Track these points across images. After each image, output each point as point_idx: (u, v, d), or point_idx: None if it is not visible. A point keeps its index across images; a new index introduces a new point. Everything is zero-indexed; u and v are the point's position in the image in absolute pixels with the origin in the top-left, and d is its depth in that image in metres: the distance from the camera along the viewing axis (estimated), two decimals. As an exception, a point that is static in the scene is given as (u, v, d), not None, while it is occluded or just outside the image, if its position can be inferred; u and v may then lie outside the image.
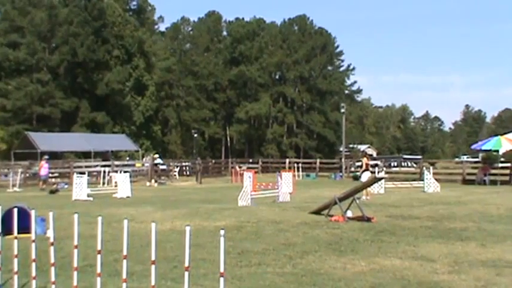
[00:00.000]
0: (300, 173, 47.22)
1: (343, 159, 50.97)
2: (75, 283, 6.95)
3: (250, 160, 62.82)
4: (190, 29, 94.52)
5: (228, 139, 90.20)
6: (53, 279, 7.04)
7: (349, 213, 16.18)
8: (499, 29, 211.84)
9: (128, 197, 26.31)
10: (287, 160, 56.05)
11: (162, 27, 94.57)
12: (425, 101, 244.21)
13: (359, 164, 55.50)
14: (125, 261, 6.56)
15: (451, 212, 18.10)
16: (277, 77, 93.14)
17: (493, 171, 38.19)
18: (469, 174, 40.39)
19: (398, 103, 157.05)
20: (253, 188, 25.67)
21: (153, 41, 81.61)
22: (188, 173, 51.79)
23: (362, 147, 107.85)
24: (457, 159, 79.39)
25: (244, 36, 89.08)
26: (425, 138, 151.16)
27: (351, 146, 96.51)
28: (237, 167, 47.29)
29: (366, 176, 23.95)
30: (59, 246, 8.94)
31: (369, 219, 15.44)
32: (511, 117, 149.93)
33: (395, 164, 61.81)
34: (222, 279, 5.95)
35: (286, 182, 25.48)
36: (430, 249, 10.96)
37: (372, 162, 55.57)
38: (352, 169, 49.70)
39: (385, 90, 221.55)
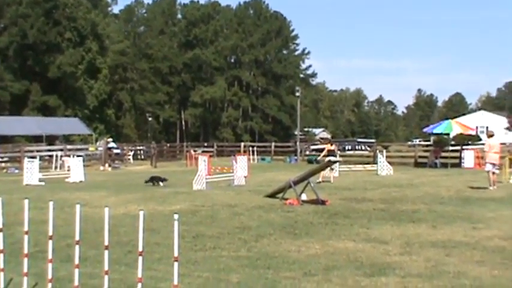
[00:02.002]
0: (255, 156, 47.29)
1: (298, 143, 51.23)
2: (25, 269, 6.84)
3: (205, 144, 62.60)
4: (144, 11, 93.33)
5: (183, 123, 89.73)
6: (1, 266, 6.91)
7: (304, 197, 16.30)
8: (450, 15, 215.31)
9: (80, 181, 25.96)
10: (242, 144, 56.03)
11: (115, 9, 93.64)
12: (379, 85, 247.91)
13: (315, 147, 56.08)
14: (77, 246, 6.48)
15: (403, 195, 18.40)
16: (232, 60, 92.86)
17: (444, 154, 38.87)
18: (420, 157, 41.10)
19: (353, 87, 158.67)
20: (208, 172, 25.63)
21: (106, 23, 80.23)
22: (143, 157, 51.37)
23: (317, 130, 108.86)
24: (409, 143, 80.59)
25: (199, 19, 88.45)
26: (378, 122, 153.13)
27: (306, 129, 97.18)
28: (192, 151, 47.07)
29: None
30: (8, 233, 8.76)
31: (323, 202, 15.58)
32: (461, 102, 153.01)
33: (350, 148, 62.55)
34: (176, 263, 5.93)
35: (241, 166, 25.49)
36: (383, 231, 11.13)
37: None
38: (307, 152, 50.05)
39: (340, 74, 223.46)
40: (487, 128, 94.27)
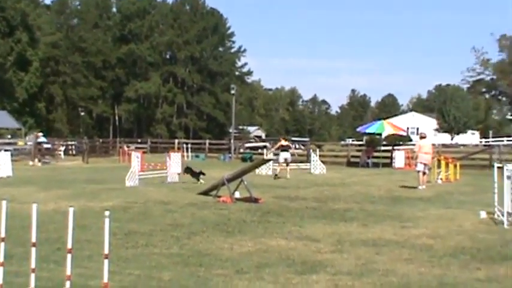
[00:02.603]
0: (189, 153, 47.03)
1: (232, 141, 51.28)
2: None
3: (139, 140, 61.94)
4: (77, 3, 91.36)
5: (117, 118, 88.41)
6: None
7: (237, 194, 16.34)
8: (384, 17, 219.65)
9: (8, 176, 25.24)
10: (176, 140, 55.65)
11: (47, 0, 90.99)
12: (313, 85, 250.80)
13: (249, 145, 56.25)
14: (2, 243, 6.30)
15: (336, 193, 18.69)
16: (167, 56, 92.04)
17: (376, 154, 39.65)
18: (353, 156, 41.79)
19: (288, 86, 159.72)
20: (141, 168, 25.35)
21: (38, 14, 78.21)
22: (74, 152, 50.40)
23: (251, 128, 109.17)
24: (342, 142, 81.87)
25: (134, 13, 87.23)
26: (313, 121, 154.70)
27: (240, 127, 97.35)
28: (125, 147, 46.46)
29: (285, 155, 26.36)
30: None
31: (256, 200, 15.66)
32: (393, 103, 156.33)
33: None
34: (106, 261, 5.84)
35: (175, 163, 25.33)
36: (315, 230, 11.26)
37: (261, 144, 56.38)
38: (241, 150, 50.15)
39: (275, 73, 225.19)
40: (417, 129, 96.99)
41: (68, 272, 6.03)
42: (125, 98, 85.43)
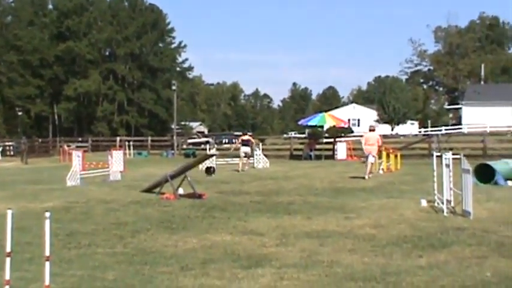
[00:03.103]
0: (132, 151, 46.58)
1: (175, 137, 51.00)
2: None
3: (80, 139, 60.97)
4: (11, 0, 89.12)
5: (56, 117, 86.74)
6: None
7: (181, 191, 16.25)
8: (323, 10, 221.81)
9: None
10: (118, 138, 54.97)
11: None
12: (255, 79, 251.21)
13: (192, 141, 56.02)
14: None
15: (279, 187, 18.79)
16: (107, 53, 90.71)
17: (318, 146, 40.02)
18: (296, 149, 42.11)
19: (229, 81, 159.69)
20: (82, 168, 24.96)
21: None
22: (12, 153, 49.29)
23: (194, 124, 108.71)
24: (285, 136, 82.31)
25: (71, 10, 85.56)
26: (255, 115, 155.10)
27: (182, 123, 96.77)
28: (65, 146, 45.65)
29: (245, 149, 27.74)
30: None
31: (200, 196, 15.61)
32: (334, 95, 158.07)
33: (227, 141, 62.96)
34: (47, 262, 5.72)
35: (117, 161, 25.03)
36: (259, 224, 11.29)
37: (204, 140, 56.22)
38: (184, 146, 49.91)
39: (217, 68, 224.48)
40: (358, 120, 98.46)
41: (7, 276, 5.86)
42: (64, 96, 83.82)
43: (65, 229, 10.87)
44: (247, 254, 8.53)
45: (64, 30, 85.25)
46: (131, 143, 49.13)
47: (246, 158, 27.78)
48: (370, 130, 23.76)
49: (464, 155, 12.55)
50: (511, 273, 7.07)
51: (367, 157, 22.09)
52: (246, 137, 28.63)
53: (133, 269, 7.78)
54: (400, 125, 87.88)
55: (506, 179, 18.53)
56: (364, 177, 21.16)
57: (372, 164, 22.02)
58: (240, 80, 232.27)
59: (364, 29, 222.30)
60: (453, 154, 12.90)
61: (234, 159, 35.24)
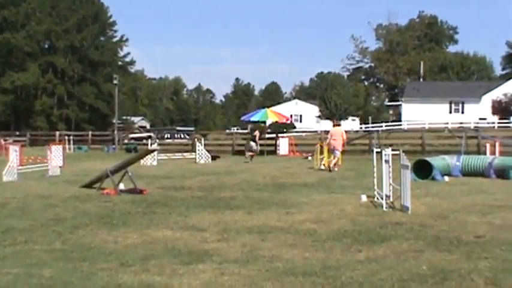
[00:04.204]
0: (71, 145, 45.77)
1: (116, 132, 50.37)
2: None
3: (17, 133, 59.52)
4: None
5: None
6: None
7: (122, 186, 16.06)
8: (267, 6, 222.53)
9: None
10: (57, 133, 53.95)
11: None
12: (197, 74, 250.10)
13: (133, 136, 55.43)
14: None
15: (221, 182, 18.79)
16: (46, 46, 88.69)
17: (261, 142, 40.14)
18: (239, 145, 42.14)
19: (172, 75, 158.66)
20: (20, 162, 24.40)
21: None
22: None
23: (136, 119, 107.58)
24: (227, 131, 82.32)
25: (8, 1, 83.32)
26: (197, 110, 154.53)
27: (124, 118, 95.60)
28: (1, 140, 44.47)
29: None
30: None
31: (141, 192, 15.46)
32: (276, 91, 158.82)
33: (169, 136, 62.60)
34: (-19, 260, 5.56)
35: (56, 156, 24.57)
36: (201, 219, 11.26)
37: (145, 135, 55.77)
38: (126, 141, 49.37)
39: (159, 62, 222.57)
40: (300, 116, 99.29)
41: None
42: (0, 89, 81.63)
43: (0, 225, 10.61)
44: (188, 250, 8.49)
45: (1, 21, 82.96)
46: (71, 137, 48.27)
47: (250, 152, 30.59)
48: (335, 125, 25.08)
49: (404, 151, 12.80)
50: (446, 266, 7.25)
51: (333, 151, 23.00)
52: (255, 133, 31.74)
53: (72, 265, 7.65)
54: (342, 121, 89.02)
55: (444, 175, 19.02)
56: (330, 170, 22.31)
57: (337, 158, 22.82)
58: (182, 74, 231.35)
59: (307, 25, 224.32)
60: (393, 150, 13.12)
61: (176, 154, 35.10)
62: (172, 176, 21.05)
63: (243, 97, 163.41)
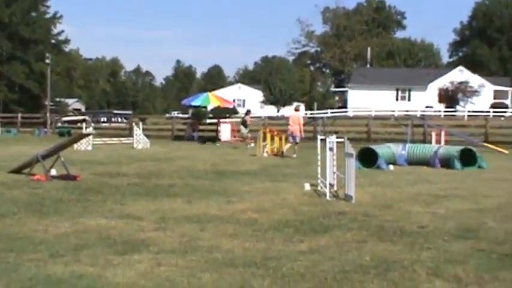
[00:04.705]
0: (-1, 128, 44.74)
1: (48, 114, 49.43)
2: None
3: None
4: None
5: None
6: None
7: (53, 172, 15.78)
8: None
9: None
10: (-16, 114, 52.62)
11: None
12: (136, 55, 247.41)
13: (67, 119, 54.50)
14: None
15: (160, 169, 18.69)
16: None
17: (202, 127, 40.12)
18: (178, 130, 42.00)
19: (109, 56, 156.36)
20: None
21: None
22: None
23: (70, 101, 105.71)
24: (167, 115, 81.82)
25: None
26: (136, 93, 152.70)
27: (57, 99, 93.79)
28: None
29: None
30: None
31: (74, 178, 15.23)
32: (219, 74, 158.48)
33: (105, 120, 61.83)
34: None
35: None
36: (138, 207, 11.17)
37: (80, 118, 54.95)
38: (59, 124, 48.52)
39: (96, 41, 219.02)
40: (244, 101, 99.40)
41: None
42: None
43: None
44: (124, 239, 8.42)
45: None
46: (-1, 119, 47.18)
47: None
48: (294, 110, 26.17)
49: (349, 139, 12.97)
50: (389, 256, 7.39)
51: (293, 137, 23.58)
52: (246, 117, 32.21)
53: (-3, 256, 7.48)
54: (286, 107, 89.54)
55: (389, 163, 19.39)
56: (292, 156, 23.46)
57: (296, 143, 23.42)
58: (120, 55, 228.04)
59: (252, 6, 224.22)
60: (337, 138, 13.28)
61: (113, 138, 34.69)
62: (108, 162, 20.81)
63: (184, 80, 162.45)
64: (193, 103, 40.59)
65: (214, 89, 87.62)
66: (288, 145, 23.37)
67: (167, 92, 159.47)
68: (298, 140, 23.70)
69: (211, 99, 39.22)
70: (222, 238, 8.58)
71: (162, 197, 12.59)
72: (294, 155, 23.84)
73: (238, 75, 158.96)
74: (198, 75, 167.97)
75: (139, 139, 29.95)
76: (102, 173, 17.18)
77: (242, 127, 32.02)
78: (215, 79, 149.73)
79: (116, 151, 26.12)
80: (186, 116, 65.78)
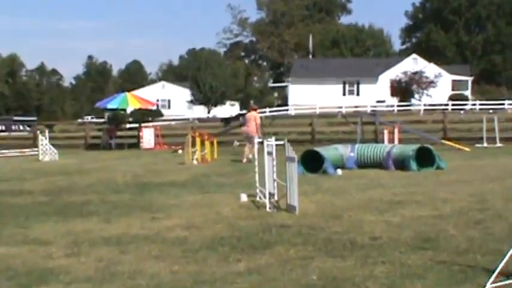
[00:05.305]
0: None
1: None
2: None
3: None
4: None
5: None
6: None
7: None
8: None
9: None
10: None
11: None
12: (39, 51, 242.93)
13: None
14: None
15: (72, 183, 18.50)
16: None
17: (120, 133, 39.80)
18: (93, 137, 41.53)
19: (6, 52, 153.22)
20: None
21: None
22: None
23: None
24: (79, 121, 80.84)
25: None
26: (41, 95, 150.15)
27: None
28: None
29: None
30: None
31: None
32: (139, 71, 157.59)
33: (4, 128, 60.72)
34: None
35: None
36: (45, 230, 11.00)
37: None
38: None
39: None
40: (169, 101, 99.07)
41: None
42: None
43: None
44: (28, 269, 8.26)
45: None
46: None
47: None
48: (251, 109, 26.66)
49: (290, 141, 13.06)
50: (339, 274, 7.47)
51: (248, 138, 23.79)
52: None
53: None
54: (218, 107, 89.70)
55: (336, 167, 19.59)
56: (242, 161, 23.95)
57: (251, 148, 23.58)
58: (20, 51, 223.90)
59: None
60: (277, 140, 13.34)
61: (14, 150, 34.08)
62: (9, 178, 20.47)
63: (98, 79, 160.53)
64: (110, 105, 40.23)
65: (133, 89, 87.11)
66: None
67: (78, 94, 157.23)
68: (255, 141, 23.78)
69: (131, 101, 38.92)
70: (146, 261, 8.53)
71: (74, 216, 12.43)
72: (244, 160, 23.95)
73: (162, 72, 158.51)
74: (115, 72, 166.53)
75: (45, 150, 29.51)
76: (2, 191, 16.89)
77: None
78: (134, 77, 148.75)
79: (17, 165, 25.68)
80: (101, 120, 65.14)
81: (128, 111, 46.31)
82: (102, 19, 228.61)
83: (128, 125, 43.20)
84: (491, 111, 40.03)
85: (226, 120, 27.71)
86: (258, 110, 27.85)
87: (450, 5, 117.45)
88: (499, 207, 11.79)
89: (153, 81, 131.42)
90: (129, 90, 54.95)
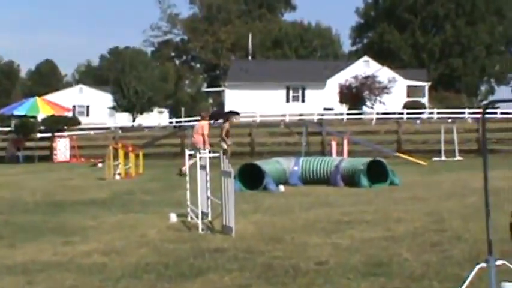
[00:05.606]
0: None
1: None
2: None
3: None
4: None
5: None
6: None
7: None
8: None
9: None
10: None
11: None
12: None
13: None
14: None
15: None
16: None
17: (29, 144, 39.27)
18: (-1, 149, 40.91)
19: None
20: None
21: None
22: None
23: None
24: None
25: None
26: None
27: None
28: None
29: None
30: None
31: None
32: (53, 72, 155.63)
33: None
34: None
35: None
36: None
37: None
38: None
39: None
40: (87, 107, 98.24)
41: None
42: None
43: None
44: None
45: None
46: None
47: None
48: (201, 119, 27.35)
49: (226, 153, 13.05)
50: (280, 304, 7.49)
51: (195, 150, 23.54)
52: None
53: None
54: (145, 114, 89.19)
55: (278, 183, 19.63)
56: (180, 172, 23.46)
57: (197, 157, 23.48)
58: None
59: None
60: (211, 152, 13.32)
61: None
62: None
63: (3, 81, 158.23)
64: (17, 112, 39.71)
65: (46, 93, 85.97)
66: (191, 161, 23.21)
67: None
68: (203, 152, 23.80)
69: (42, 107, 38.48)
70: (56, 292, 8.43)
71: (-27, 241, 12.22)
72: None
73: (79, 74, 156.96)
74: (23, 73, 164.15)
75: None
76: None
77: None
78: (47, 79, 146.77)
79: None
80: (7, 129, 64.08)
81: (39, 118, 45.67)
82: (8, 12, 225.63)
83: (39, 135, 42.53)
84: (450, 120, 40.64)
85: (214, 117, 28.36)
86: (207, 119, 27.74)
87: (405, 2, 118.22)
88: (457, 227, 11.94)
89: (68, 85, 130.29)
90: (40, 95, 54.19)
